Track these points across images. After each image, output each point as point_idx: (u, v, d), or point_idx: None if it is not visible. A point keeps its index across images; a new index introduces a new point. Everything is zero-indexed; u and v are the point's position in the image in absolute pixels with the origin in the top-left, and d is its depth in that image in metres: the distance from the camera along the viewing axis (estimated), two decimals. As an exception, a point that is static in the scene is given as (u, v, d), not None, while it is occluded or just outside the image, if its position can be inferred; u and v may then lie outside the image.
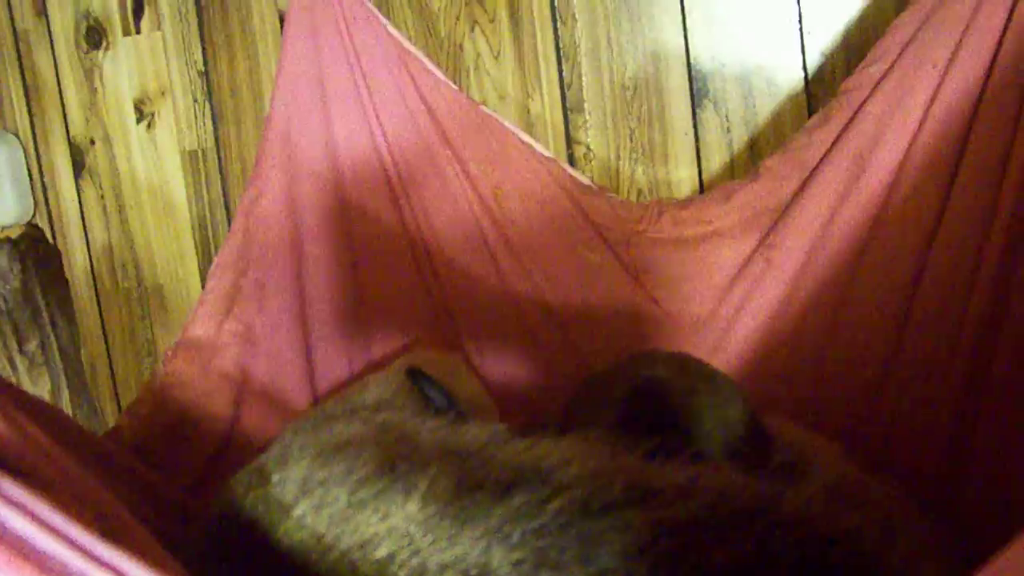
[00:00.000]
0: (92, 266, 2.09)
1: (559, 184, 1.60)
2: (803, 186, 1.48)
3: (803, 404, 1.45)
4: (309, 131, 1.59)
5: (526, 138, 1.62)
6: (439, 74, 1.61)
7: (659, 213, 1.56)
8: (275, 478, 1.01)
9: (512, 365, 1.63)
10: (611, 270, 1.58)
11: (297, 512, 0.96)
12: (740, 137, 1.70)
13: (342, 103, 1.60)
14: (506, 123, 1.62)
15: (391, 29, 1.60)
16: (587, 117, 1.77)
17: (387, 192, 1.63)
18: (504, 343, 1.63)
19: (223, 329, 1.46)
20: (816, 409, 1.45)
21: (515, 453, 0.99)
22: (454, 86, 1.62)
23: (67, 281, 2.08)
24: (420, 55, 1.61)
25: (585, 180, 1.62)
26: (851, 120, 1.44)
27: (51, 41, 2.04)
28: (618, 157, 1.77)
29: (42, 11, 2.03)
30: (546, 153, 1.62)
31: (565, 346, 1.61)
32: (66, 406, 2.00)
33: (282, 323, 1.52)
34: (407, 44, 1.61)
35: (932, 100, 1.38)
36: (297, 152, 1.59)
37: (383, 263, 1.63)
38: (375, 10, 1.61)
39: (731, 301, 1.53)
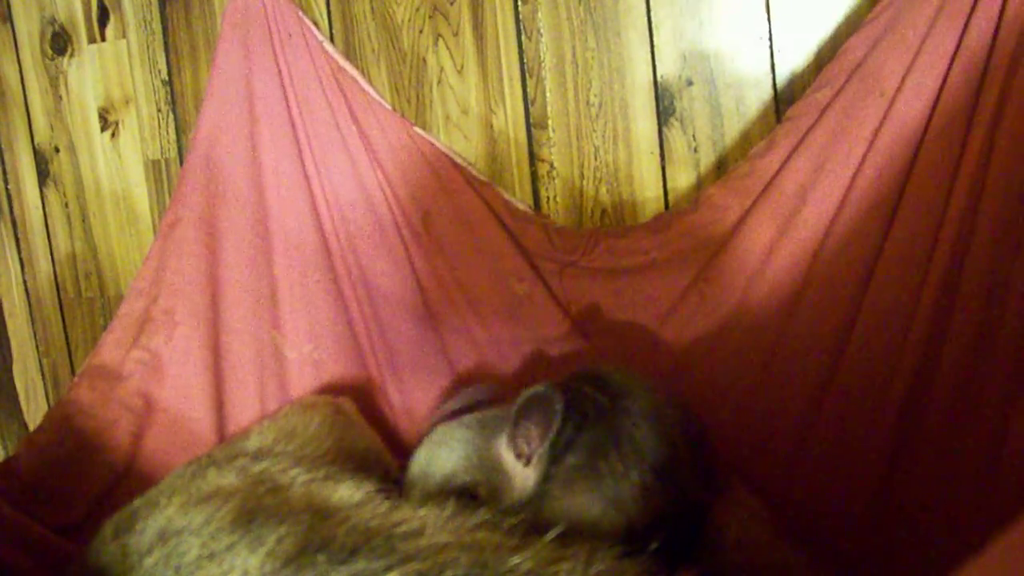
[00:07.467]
0: (56, 275, 2.08)
1: (491, 209, 1.54)
2: (743, 218, 1.41)
3: (732, 445, 1.38)
4: (234, 153, 1.55)
5: (460, 161, 1.56)
6: (373, 93, 1.56)
7: (595, 242, 1.50)
8: (139, 525, 1.00)
9: (431, 394, 1.58)
10: (540, 301, 1.52)
11: (149, 561, 0.95)
12: (707, 157, 1.62)
13: (270, 124, 1.55)
14: (439, 144, 1.57)
15: (327, 46, 1.56)
16: (551, 134, 1.70)
17: (313, 218, 1.59)
18: (425, 373, 1.58)
19: (129, 356, 1.44)
20: (745, 450, 1.39)
21: (372, 516, 0.97)
22: (387, 105, 1.57)
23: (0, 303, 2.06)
24: (355, 73, 1.56)
25: (521, 206, 1.56)
26: (795, 149, 1.37)
27: (16, 47, 2.04)
28: (582, 176, 1.69)
29: (7, 17, 2.03)
30: (481, 177, 1.56)
31: (487, 377, 1.55)
32: (-5, 431, 1.98)
33: (191, 352, 1.48)
34: (343, 62, 1.56)
35: (877, 131, 1.30)
36: (220, 175, 1.55)
37: (305, 293, 1.59)
38: (312, 26, 1.56)
39: (663, 337, 1.46)
